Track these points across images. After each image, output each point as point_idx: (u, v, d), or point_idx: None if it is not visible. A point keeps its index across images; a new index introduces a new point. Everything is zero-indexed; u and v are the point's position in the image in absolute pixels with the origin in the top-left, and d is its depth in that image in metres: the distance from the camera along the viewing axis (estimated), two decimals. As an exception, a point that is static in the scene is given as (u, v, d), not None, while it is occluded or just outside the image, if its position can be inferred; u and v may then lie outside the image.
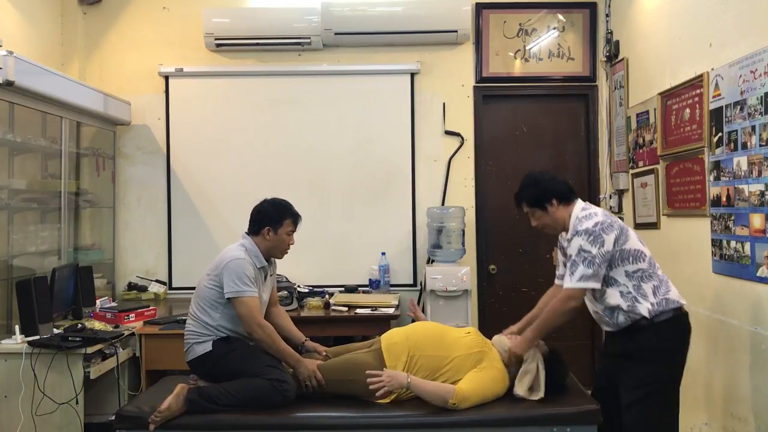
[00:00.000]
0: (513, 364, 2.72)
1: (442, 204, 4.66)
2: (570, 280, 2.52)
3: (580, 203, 2.69)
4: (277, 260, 3.05)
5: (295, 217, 2.92)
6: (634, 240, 2.59)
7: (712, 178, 3.09)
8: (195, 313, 2.84)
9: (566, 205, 2.68)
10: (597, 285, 2.52)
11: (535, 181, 2.73)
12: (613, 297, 2.55)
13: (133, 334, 3.59)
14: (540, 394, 2.62)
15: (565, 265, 2.73)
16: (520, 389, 2.64)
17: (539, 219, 2.72)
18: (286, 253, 2.96)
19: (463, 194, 4.68)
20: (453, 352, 2.69)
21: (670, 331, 2.54)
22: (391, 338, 2.80)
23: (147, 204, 4.70)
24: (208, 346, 2.77)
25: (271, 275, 3.01)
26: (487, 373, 2.65)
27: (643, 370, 2.52)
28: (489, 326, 4.63)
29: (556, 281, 2.98)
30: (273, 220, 2.87)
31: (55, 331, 3.33)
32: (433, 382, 2.62)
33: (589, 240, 2.50)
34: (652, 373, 2.51)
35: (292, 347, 2.84)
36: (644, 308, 2.51)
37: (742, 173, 2.82)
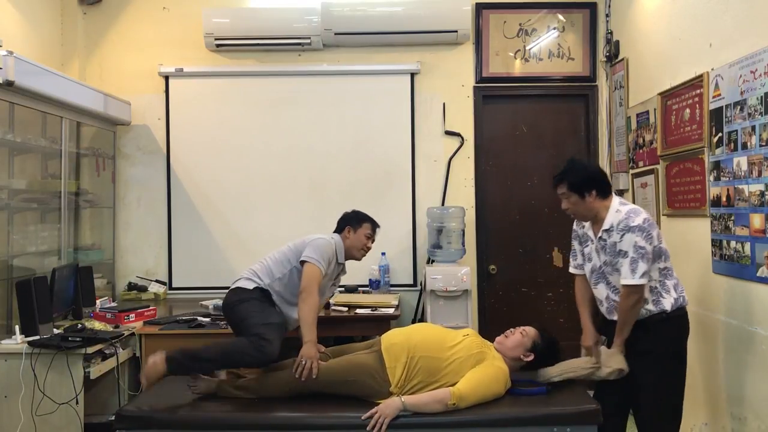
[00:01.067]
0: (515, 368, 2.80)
1: (442, 204, 4.66)
2: (633, 276, 2.61)
3: (617, 198, 2.78)
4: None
5: (374, 224, 3.26)
6: (663, 244, 2.75)
7: (712, 178, 3.10)
8: (263, 263, 3.10)
9: (602, 199, 2.75)
10: (647, 281, 2.66)
11: (583, 167, 2.82)
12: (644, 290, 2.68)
13: (133, 334, 3.59)
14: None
15: (582, 255, 2.91)
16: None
17: (573, 204, 2.77)
18: (364, 254, 3.24)
19: (463, 194, 4.68)
20: (453, 354, 2.69)
21: (684, 326, 2.75)
22: (390, 339, 2.79)
23: (147, 204, 4.70)
24: (250, 285, 3.02)
25: (337, 277, 3.24)
26: (486, 370, 2.65)
27: (661, 364, 2.68)
28: (489, 326, 4.63)
29: (575, 271, 3.01)
30: (354, 221, 3.22)
31: (55, 331, 3.33)
32: (427, 393, 2.59)
33: (643, 236, 2.61)
34: (669, 364, 2.69)
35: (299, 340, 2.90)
36: (668, 303, 2.68)
37: (742, 173, 2.82)
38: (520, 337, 2.81)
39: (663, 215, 3.68)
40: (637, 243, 2.60)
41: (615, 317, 2.75)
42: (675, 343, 2.71)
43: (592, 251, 2.84)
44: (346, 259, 3.23)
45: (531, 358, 2.78)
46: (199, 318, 3.75)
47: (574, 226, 2.97)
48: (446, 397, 2.52)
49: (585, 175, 2.75)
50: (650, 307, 2.69)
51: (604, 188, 2.76)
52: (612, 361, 2.72)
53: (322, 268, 2.96)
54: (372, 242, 3.26)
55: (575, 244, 2.98)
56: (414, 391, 2.63)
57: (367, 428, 2.47)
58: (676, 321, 2.71)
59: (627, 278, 2.63)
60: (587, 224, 2.86)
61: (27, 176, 3.88)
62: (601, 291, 2.84)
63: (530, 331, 2.84)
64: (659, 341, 2.68)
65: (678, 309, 2.70)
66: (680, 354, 2.73)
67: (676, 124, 3.48)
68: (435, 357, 2.67)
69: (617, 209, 2.71)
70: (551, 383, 2.79)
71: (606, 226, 2.72)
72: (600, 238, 2.77)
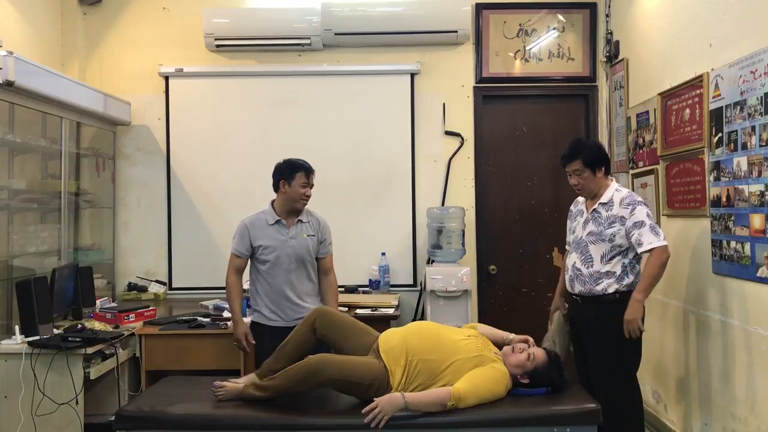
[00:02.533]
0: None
1: (442, 204, 4.66)
2: (658, 239, 2.84)
3: (615, 181, 3.08)
4: (319, 228, 3.35)
5: (308, 170, 3.26)
6: None
7: (712, 178, 3.10)
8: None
9: (606, 177, 3.05)
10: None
11: (595, 146, 3.13)
12: (617, 265, 2.93)
13: (133, 334, 3.59)
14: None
15: (572, 232, 3.17)
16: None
17: (585, 179, 3.01)
18: (305, 203, 3.28)
19: (463, 194, 4.68)
20: (452, 355, 2.66)
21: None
22: (388, 341, 2.74)
23: (147, 204, 4.70)
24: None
25: (310, 236, 3.28)
26: (486, 372, 2.63)
27: (613, 341, 2.90)
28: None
29: (568, 248, 3.21)
30: (286, 173, 3.25)
31: (55, 331, 3.33)
32: (428, 392, 2.57)
33: (648, 209, 2.90)
34: (622, 342, 2.91)
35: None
36: (626, 282, 2.94)
37: (742, 173, 2.82)
38: (525, 359, 2.71)
39: (663, 215, 3.68)
40: (648, 213, 2.87)
41: (574, 289, 3.03)
42: (620, 321, 2.87)
43: (579, 225, 3.09)
44: (289, 213, 3.26)
45: (526, 381, 2.71)
46: (199, 318, 3.75)
47: (571, 207, 3.25)
48: (446, 397, 2.51)
49: (597, 152, 3.04)
50: (612, 282, 2.91)
51: (608, 167, 3.07)
52: (552, 338, 3.15)
53: (234, 250, 3.25)
54: (310, 188, 3.27)
55: (569, 224, 3.22)
56: (415, 391, 2.62)
57: (365, 420, 2.45)
58: (625, 304, 2.88)
59: (653, 242, 2.82)
60: (581, 201, 3.15)
61: (27, 176, 3.88)
62: (570, 259, 3.09)
63: (539, 356, 2.74)
64: (614, 319, 2.86)
65: (630, 292, 2.89)
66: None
67: (676, 125, 3.48)
68: (434, 359, 2.65)
69: (617, 188, 3.01)
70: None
71: (604, 200, 2.98)
72: (594, 210, 3.01)
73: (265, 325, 3.22)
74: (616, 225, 2.92)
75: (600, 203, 2.99)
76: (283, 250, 3.20)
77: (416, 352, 2.66)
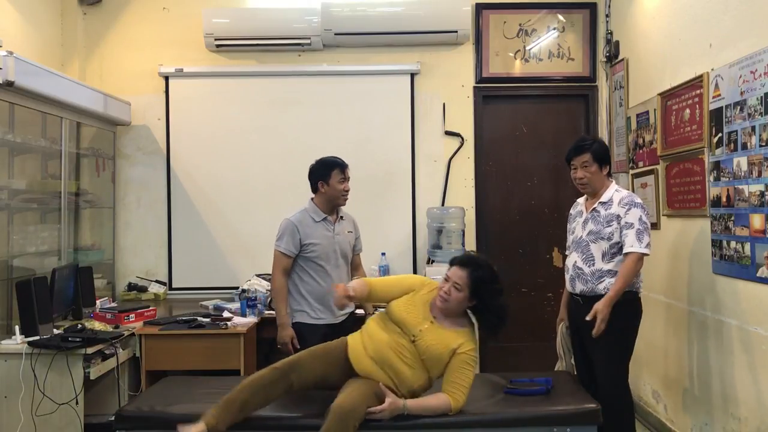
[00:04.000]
0: None
1: (442, 204, 4.66)
2: (640, 245, 2.83)
3: (615, 183, 3.08)
4: (354, 224, 3.46)
5: (341, 166, 3.29)
6: None
7: (712, 178, 3.10)
8: None
9: (608, 177, 3.07)
10: (650, 253, 2.90)
11: (605, 144, 3.15)
12: (619, 264, 2.89)
13: (133, 334, 3.59)
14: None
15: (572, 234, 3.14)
16: None
17: (591, 174, 3.01)
18: (346, 197, 3.31)
19: (463, 194, 4.68)
20: (418, 355, 2.57)
21: (634, 308, 2.97)
22: (358, 362, 2.61)
23: (147, 204, 4.70)
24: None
25: (350, 232, 3.38)
26: (471, 367, 2.57)
27: (610, 339, 2.86)
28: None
29: (568, 252, 3.20)
30: (321, 174, 3.28)
31: (55, 331, 3.32)
32: (429, 402, 2.53)
33: (644, 213, 2.90)
34: (617, 340, 2.91)
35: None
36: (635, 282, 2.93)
37: (742, 173, 2.82)
38: (455, 292, 2.58)
39: (663, 215, 3.68)
40: (642, 217, 2.87)
41: (576, 289, 3.00)
42: (622, 321, 2.87)
43: (578, 225, 3.08)
44: (332, 210, 3.31)
45: (475, 302, 2.62)
46: (199, 318, 3.74)
47: (570, 210, 3.24)
48: (447, 407, 2.51)
49: (606, 150, 3.07)
50: (614, 281, 2.86)
51: (611, 168, 3.10)
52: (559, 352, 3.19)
53: (280, 249, 3.23)
54: (348, 182, 3.32)
55: (568, 226, 3.22)
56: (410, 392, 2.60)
57: (368, 413, 2.43)
58: (628, 303, 2.89)
59: (635, 246, 2.83)
60: (581, 202, 3.14)
61: (27, 176, 3.88)
62: (571, 258, 3.07)
63: (458, 277, 2.59)
64: (615, 319, 2.81)
65: (629, 293, 2.89)
66: (627, 332, 2.94)
67: (676, 125, 3.48)
68: (398, 366, 2.56)
69: (617, 189, 3.02)
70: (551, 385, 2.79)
71: (604, 199, 2.98)
72: (594, 209, 3.00)
73: (309, 324, 3.23)
74: (613, 224, 2.92)
75: (599, 202, 3.00)
76: (332, 246, 3.26)
77: (384, 363, 2.57)
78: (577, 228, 3.08)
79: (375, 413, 2.45)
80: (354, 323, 3.33)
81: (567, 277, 3.09)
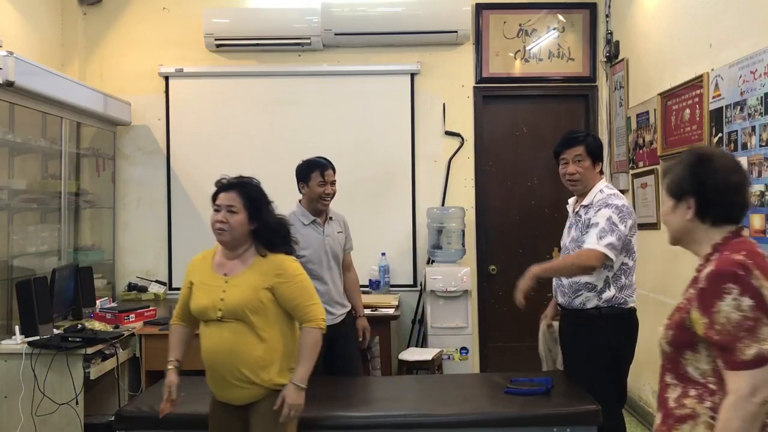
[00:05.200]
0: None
1: (442, 204, 4.66)
2: (597, 243, 2.54)
3: (604, 181, 2.82)
4: (344, 224, 3.38)
5: (322, 167, 3.14)
6: (636, 238, 2.69)
7: (712, 178, 3.09)
8: None
9: (599, 175, 2.80)
10: (614, 258, 2.57)
11: (599, 138, 2.93)
12: (600, 277, 2.64)
13: (133, 334, 3.59)
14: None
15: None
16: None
17: (584, 168, 2.75)
18: (328, 200, 3.19)
19: (463, 194, 4.68)
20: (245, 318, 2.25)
21: (617, 326, 2.66)
22: (222, 394, 2.35)
23: (147, 204, 4.70)
24: None
25: (339, 232, 3.30)
26: (300, 280, 2.30)
27: (585, 359, 2.70)
28: (489, 327, 4.64)
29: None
30: (302, 175, 3.19)
31: (55, 331, 3.33)
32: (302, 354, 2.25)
33: (618, 216, 2.59)
34: (592, 360, 2.68)
35: None
36: (606, 296, 2.64)
37: (742, 173, 2.82)
38: (233, 216, 2.30)
39: (663, 215, 3.67)
40: (611, 218, 2.58)
41: (558, 299, 2.83)
42: (602, 340, 2.61)
43: (565, 229, 2.88)
44: (315, 213, 3.21)
45: (255, 225, 2.32)
46: (199, 318, 3.74)
47: (567, 206, 2.99)
48: (318, 335, 2.26)
49: (600, 144, 2.86)
50: (591, 296, 2.64)
51: (602, 168, 2.83)
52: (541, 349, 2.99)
53: None
54: (330, 186, 3.16)
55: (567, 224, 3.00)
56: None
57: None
58: (610, 320, 2.64)
59: (590, 243, 2.55)
60: (571, 202, 2.90)
61: (27, 177, 3.88)
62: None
63: (230, 199, 2.32)
64: (593, 339, 2.63)
65: (613, 308, 2.63)
66: (603, 351, 2.63)
67: (676, 125, 3.48)
68: (246, 356, 2.23)
69: (602, 189, 2.73)
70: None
71: (586, 201, 2.73)
72: (576, 213, 2.79)
73: None
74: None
75: (582, 205, 2.75)
76: (322, 249, 3.19)
77: (226, 370, 2.28)
78: (564, 233, 2.89)
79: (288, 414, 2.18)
80: (352, 322, 3.35)
81: (553, 284, 2.92)
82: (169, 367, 2.40)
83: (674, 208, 1.58)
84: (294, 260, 2.36)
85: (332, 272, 3.25)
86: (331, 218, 3.29)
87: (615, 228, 2.56)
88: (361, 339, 3.40)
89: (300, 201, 3.26)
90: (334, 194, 3.21)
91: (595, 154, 2.76)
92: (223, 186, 2.37)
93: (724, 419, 1.38)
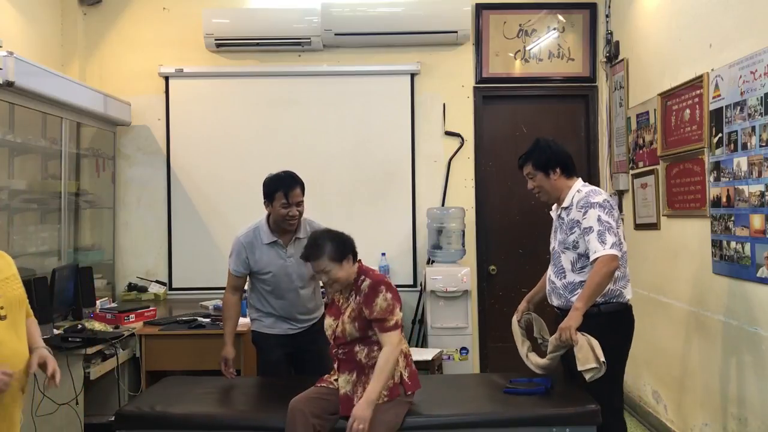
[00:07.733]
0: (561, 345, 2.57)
1: (442, 204, 4.66)
2: (603, 247, 2.53)
3: (580, 180, 2.77)
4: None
5: (285, 189, 2.87)
6: (622, 230, 2.67)
7: (712, 178, 3.10)
8: None
9: (567, 178, 2.75)
10: (620, 254, 2.56)
11: (547, 146, 2.80)
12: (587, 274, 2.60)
13: (133, 334, 3.59)
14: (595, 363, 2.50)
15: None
16: (585, 364, 2.50)
17: (539, 182, 2.76)
18: (293, 223, 2.94)
19: (463, 194, 4.68)
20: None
21: (615, 322, 2.64)
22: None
23: (147, 204, 4.70)
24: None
25: (293, 258, 2.97)
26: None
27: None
28: (489, 327, 4.64)
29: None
30: (268, 195, 2.94)
31: (55, 331, 3.32)
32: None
33: (605, 212, 2.58)
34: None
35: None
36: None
37: (742, 174, 2.82)
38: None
39: (663, 216, 3.68)
40: (601, 217, 2.57)
41: (553, 302, 2.78)
42: (603, 339, 2.53)
43: (552, 234, 2.84)
44: (280, 233, 2.97)
45: None
46: (199, 318, 3.75)
47: (552, 212, 2.91)
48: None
49: (549, 153, 2.76)
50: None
51: (568, 167, 2.76)
52: (584, 359, 2.54)
53: (229, 267, 3.04)
54: (296, 207, 2.89)
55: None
56: None
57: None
58: (609, 317, 2.62)
59: (598, 251, 2.53)
60: (554, 207, 2.85)
61: (27, 177, 3.88)
62: (548, 272, 2.83)
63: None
64: (596, 337, 2.54)
65: (610, 303, 2.63)
66: (611, 351, 2.55)
67: (676, 125, 3.48)
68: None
69: (578, 189, 2.71)
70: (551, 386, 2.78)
71: (565, 203, 2.71)
72: (559, 216, 2.77)
73: (271, 334, 3.08)
74: (575, 230, 2.65)
75: (562, 208, 2.73)
76: (284, 271, 2.98)
77: None
78: (551, 238, 2.86)
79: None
80: (318, 332, 2.93)
81: (546, 289, 2.88)
82: None
83: None
84: None
85: (294, 293, 3.03)
86: (298, 238, 2.98)
87: (609, 225, 2.57)
88: None
89: (268, 216, 3.00)
90: (300, 215, 2.95)
91: (544, 165, 2.74)
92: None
93: None
